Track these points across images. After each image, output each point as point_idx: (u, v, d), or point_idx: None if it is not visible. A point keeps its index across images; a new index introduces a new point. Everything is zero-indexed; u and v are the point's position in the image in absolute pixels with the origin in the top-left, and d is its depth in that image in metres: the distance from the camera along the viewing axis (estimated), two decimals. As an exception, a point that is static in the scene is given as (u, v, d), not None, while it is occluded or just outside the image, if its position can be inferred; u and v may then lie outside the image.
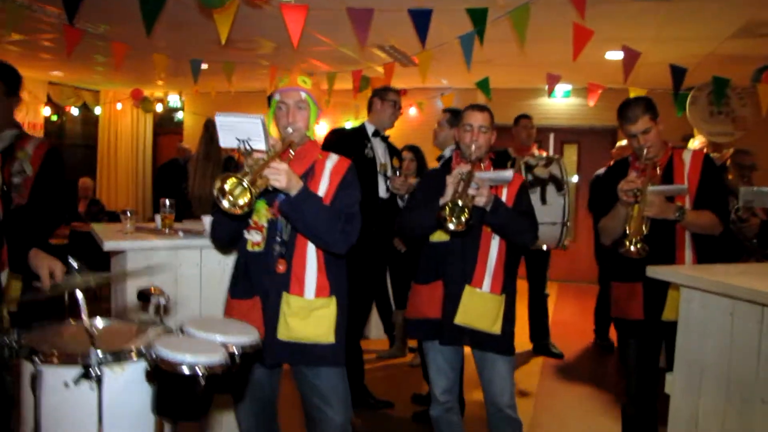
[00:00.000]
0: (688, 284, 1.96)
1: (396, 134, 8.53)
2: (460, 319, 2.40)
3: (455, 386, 2.57)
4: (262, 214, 2.09)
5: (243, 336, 1.73)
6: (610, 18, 4.58)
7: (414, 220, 2.43)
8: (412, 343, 4.77)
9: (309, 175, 2.11)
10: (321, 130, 6.46)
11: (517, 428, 2.49)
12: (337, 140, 3.46)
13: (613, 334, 4.84)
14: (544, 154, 4.80)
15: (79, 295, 1.52)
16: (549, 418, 3.74)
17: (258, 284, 2.10)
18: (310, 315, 2.08)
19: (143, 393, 1.57)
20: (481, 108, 2.50)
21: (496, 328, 2.42)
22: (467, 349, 2.54)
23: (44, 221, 2.68)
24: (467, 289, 2.40)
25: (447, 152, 3.54)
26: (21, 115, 8.76)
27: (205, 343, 1.61)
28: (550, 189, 4.01)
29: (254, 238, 2.10)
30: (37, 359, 1.53)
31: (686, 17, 4.58)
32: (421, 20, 4.01)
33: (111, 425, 1.55)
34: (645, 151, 2.47)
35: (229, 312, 2.16)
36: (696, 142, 5.80)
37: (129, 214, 2.81)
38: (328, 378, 2.14)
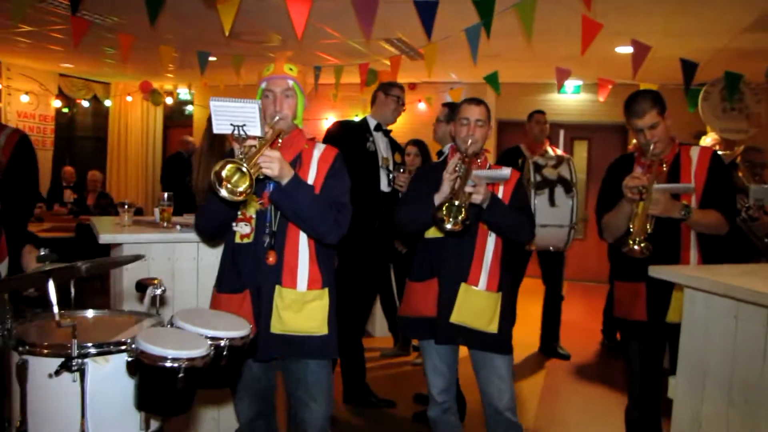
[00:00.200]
0: (691, 285, 1.90)
1: (404, 129, 8.57)
2: (455, 317, 2.35)
3: (452, 386, 2.52)
4: (251, 205, 2.06)
5: (233, 329, 1.70)
6: (620, 11, 4.49)
7: (408, 216, 2.39)
8: (417, 342, 4.73)
9: (296, 165, 2.07)
10: (329, 124, 6.43)
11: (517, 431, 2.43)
12: (340, 132, 3.43)
13: (621, 334, 4.77)
14: (559, 151, 4.74)
15: (51, 285, 1.49)
16: (552, 422, 3.69)
17: (248, 277, 2.06)
18: (303, 308, 2.05)
19: (129, 386, 1.55)
20: (478, 101, 2.45)
21: (493, 327, 2.37)
22: (463, 350, 2.50)
23: (18, 210, 2.65)
24: (463, 287, 2.35)
25: (446, 149, 3.49)
26: (32, 108, 8.83)
27: (190, 337, 1.59)
28: (559, 191, 3.95)
29: (243, 230, 2.07)
30: (22, 349, 1.53)
31: (697, 10, 4.48)
32: (427, 12, 3.95)
33: (95, 417, 1.54)
34: (652, 146, 2.40)
35: (217, 307, 2.12)
36: (708, 139, 5.69)
37: (127, 207, 2.79)
38: (314, 371, 2.12)
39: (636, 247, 2.28)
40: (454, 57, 6.49)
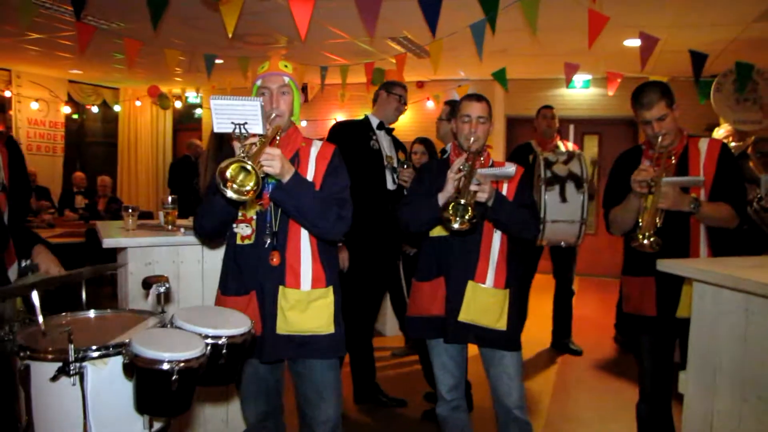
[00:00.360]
0: (700, 278, 1.86)
1: (412, 127, 8.56)
2: (464, 316, 2.32)
3: (461, 384, 2.50)
4: (251, 206, 2.04)
5: (232, 327, 1.69)
6: (627, 4, 4.44)
7: (412, 216, 2.35)
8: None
9: (294, 162, 2.05)
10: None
11: (526, 430, 2.40)
12: (342, 132, 3.41)
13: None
14: (571, 146, 4.69)
15: (35, 295, 1.49)
16: (564, 419, 3.64)
17: (252, 279, 2.04)
18: (308, 307, 2.04)
19: (130, 387, 1.55)
20: (479, 98, 2.41)
21: (501, 324, 2.34)
22: (474, 347, 2.47)
23: (22, 212, 2.65)
24: (470, 284, 2.32)
25: (449, 147, 3.46)
26: (42, 115, 8.91)
27: (186, 337, 1.58)
28: (569, 186, 3.91)
29: (244, 232, 2.05)
30: (23, 354, 1.53)
31: (706, 1, 4.42)
32: (431, 8, 3.92)
33: (99, 418, 1.54)
34: (660, 138, 2.35)
35: None
36: (721, 131, 5.60)
37: (131, 211, 2.79)
38: (323, 371, 2.10)
39: (645, 241, 2.23)
40: (461, 54, 6.46)
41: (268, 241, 2.02)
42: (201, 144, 7.42)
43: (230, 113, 1.80)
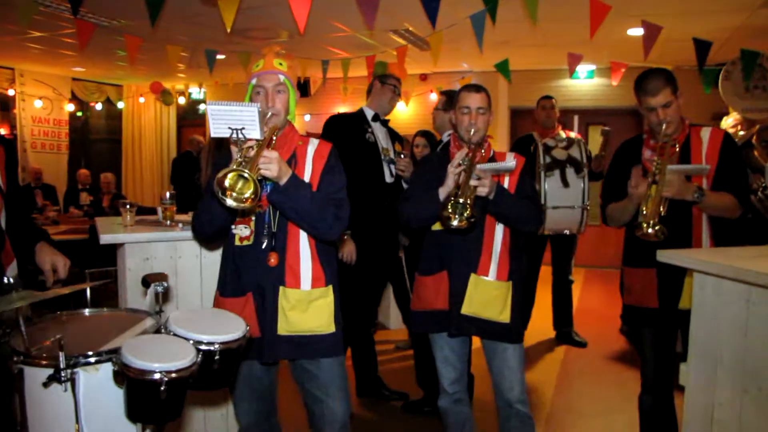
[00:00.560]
0: (700, 269, 1.83)
1: (415, 120, 8.54)
2: (466, 309, 2.31)
3: (463, 377, 2.49)
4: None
5: (226, 333, 1.67)
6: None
7: (412, 211, 2.33)
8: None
9: (292, 162, 2.04)
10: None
11: (528, 424, 2.38)
12: (337, 125, 3.37)
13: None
14: (573, 135, 4.65)
15: (20, 317, 1.49)
16: (568, 410, 3.63)
17: (250, 280, 2.03)
18: (309, 307, 2.02)
19: (122, 393, 1.53)
20: (478, 88, 2.37)
21: (504, 317, 2.32)
22: (477, 341, 2.45)
23: (20, 210, 2.63)
24: (473, 277, 2.31)
25: (445, 137, 3.43)
26: (46, 112, 8.94)
27: (177, 345, 1.57)
28: (570, 172, 3.87)
29: (242, 233, 2.03)
30: (17, 359, 1.53)
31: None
32: (430, 0, 3.89)
33: (92, 423, 1.53)
34: (664, 126, 2.31)
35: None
36: (730, 120, 5.53)
37: (129, 207, 2.78)
38: (327, 368, 2.08)
39: (650, 230, 2.18)
40: (463, 46, 6.42)
41: (267, 242, 2.01)
42: (202, 140, 7.42)
43: (227, 118, 1.78)
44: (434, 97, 8.44)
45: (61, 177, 9.03)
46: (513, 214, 2.27)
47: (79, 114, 9.77)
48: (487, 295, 2.31)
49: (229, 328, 1.71)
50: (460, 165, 2.18)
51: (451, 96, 3.43)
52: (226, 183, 1.64)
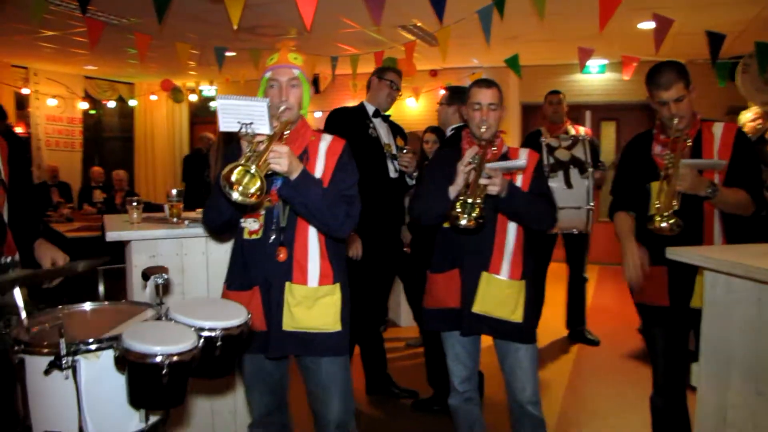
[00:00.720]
0: (710, 267, 1.79)
1: (425, 116, 8.51)
2: (478, 307, 2.28)
3: (474, 375, 2.46)
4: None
5: (227, 319, 1.66)
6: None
7: (423, 208, 2.30)
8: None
9: (303, 158, 2.02)
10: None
11: (539, 426, 2.35)
12: (340, 119, 3.34)
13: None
14: (583, 131, 4.60)
15: (17, 293, 1.48)
16: (580, 410, 3.59)
17: (257, 274, 2.02)
18: (315, 304, 2.01)
19: (123, 380, 1.53)
20: (489, 83, 2.33)
21: (517, 316, 2.29)
22: (487, 338, 2.42)
23: (24, 206, 2.63)
24: (484, 276, 2.28)
25: (449, 132, 3.39)
26: (59, 111, 9.01)
27: (178, 330, 1.56)
28: (574, 172, 3.85)
29: (252, 226, 2.02)
30: (18, 348, 1.53)
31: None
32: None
33: (94, 411, 1.52)
34: (676, 121, 2.27)
35: None
36: (749, 114, 5.42)
37: (135, 204, 2.78)
38: (329, 368, 2.07)
39: (664, 224, 2.13)
40: (473, 42, 6.36)
41: (275, 237, 2.00)
42: (212, 137, 7.44)
43: (237, 113, 1.77)
44: (444, 93, 8.39)
45: (75, 174, 9.10)
46: (526, 212, 2.23)
47: (93, 112, 9.84)
48: (499, 293, 2.28)
49: (230, 314, 1.70)
50: (470, 164, 2.15)
51: (455, 91, 3.40)
52: (233, 178, 1.63)
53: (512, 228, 2.31)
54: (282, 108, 1.94)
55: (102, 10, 5.32)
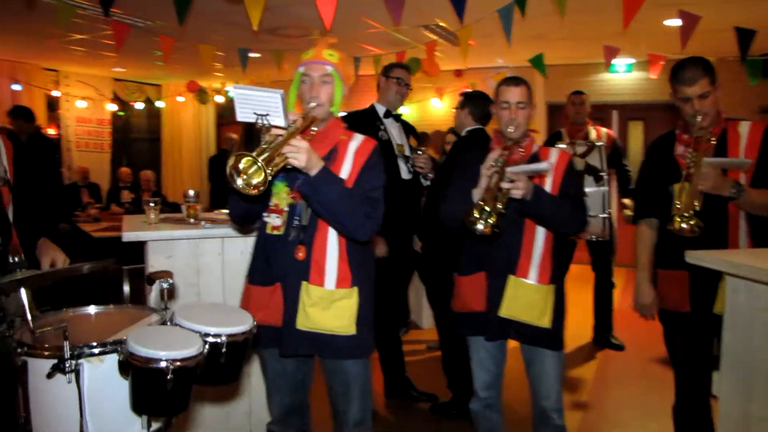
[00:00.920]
0: (732, 272, 1.72)
1: (448, 116, 8.42)
2: (504, 311, 2.23)
3: (497, 382, 2.41)
4: (283, 197, 1.99)
5: (233, 325, 1.65)
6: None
7: (448, 210, 2.25)
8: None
9: (331, 157, 1.99)
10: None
11: None
12: (349, 125, 3.32)
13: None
14: (605, 132, 4.52)
15: (23, 293, 1.48)
16: (600, 416, 3.51)
17: (277, 270, 2.00)
18: (330, 306, 1.98)
19: (127, 385, 1.52)
20: (517, 81, 2.27)
21: (545, 321, 2.24)
22: (513, 344, 2.37)
23: (32, 208, 2.61)
24: (511, 279, 2.23)
25: (465, 132, 3.34)
26: (89, 112, 9.18)
27: (183, 336, 1.55)
28: (588, 180, 3.82)
29: (274, 222, 2.00)
30: (21, 351, 1.53)
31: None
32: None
33: (96, 416, 1.52)
34: (699, 118, 2.19)
35: (248, 298, 2.07)
36: None
37: (152, 205, 2.80)
38: (348, 369, 2.05)
39: (684, 225, 2.06)
40: (498, 41, 6.29)
41: (295, 235, 1.98)
42: (236, 137, 7.50)
43: (252, 103, 1.75)
44: (469, 93, 8.33)
45: (104, 175, 9.27)
46: (552, 216, 2.17)
47: (121, 113, 10.00)
48: (526, 298, 2.23)
49: (235, 321, 1.69)
50: (492, 167, 2.10)
51: (468, 96, 3.36)
52: (240, 166, 1.61)
53: (541, 231, 2.26)
54: (312, 104, 1.92)
55: (127, 13, 5.39)
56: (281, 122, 1.76)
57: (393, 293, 3.48)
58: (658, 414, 3.40)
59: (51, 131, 8.81)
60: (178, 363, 1.43)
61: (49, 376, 1.45)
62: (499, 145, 2.25)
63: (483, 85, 7.97)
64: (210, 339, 1.58)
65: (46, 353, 1.50)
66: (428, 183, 3.38)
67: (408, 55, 6.36)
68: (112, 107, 9.55)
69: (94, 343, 1.51)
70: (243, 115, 1.77)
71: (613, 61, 5.36)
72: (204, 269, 2.65)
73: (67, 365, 1.44)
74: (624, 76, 7.81)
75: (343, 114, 3.47)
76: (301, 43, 6.54)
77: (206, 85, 9.75)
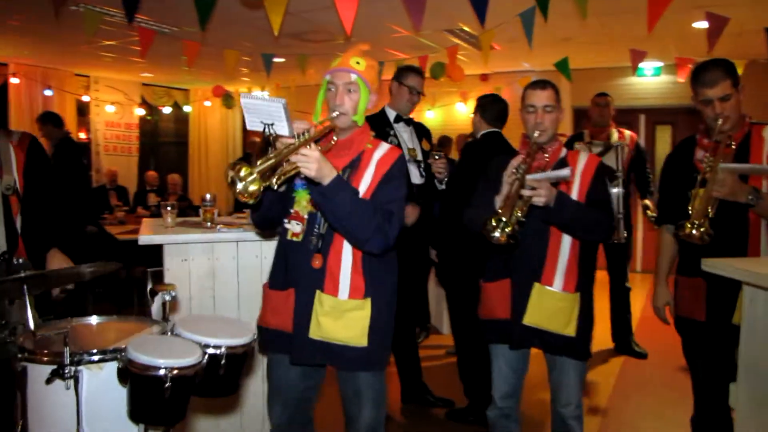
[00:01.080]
0: (749, 281, 1.67)
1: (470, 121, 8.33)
2: (529, 319, 2.19)
3: (517, 392, 2.37)
4: (304, 205, 1.99)
5: (232, 337, 1.65)
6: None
7: (473, 215, 2.20)
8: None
9: (354, 166, 1.98)
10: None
11: None
12: None
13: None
14: (627, 134, 4.45)
15: (26, 299, 1.50)
16: (620, 425, 3.44)
17: (294, 276, 2.00)
18: (342, 316, 1.96)
19: (125, 394, 1.53)
20: (544, 84, 2.23)
21: (570, 330, 2.19)
22: (535, 351, 2.34)
23: (41, 216, 2.43)
24: (536, 287, 2.19)
25: (479, 135, 3.31)
26: (117, 117, 9.36)
27: (183, 345, 1.56)
28: None
29: (294, 229, 2.01)
30: (21, 356, 1.54)
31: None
32: (478, -3, 3.79)
33: (93, 423, 1.53)
34: (720, 121, 2.13)
35: (266, 302, 2.07)
36: None
37: (170, 209, 2.84)
38: (360, 377, 2.04)
39: (695, 231, 2.01)
40: (522, 45, 6.23)
41: (314, 243, 1.98)
42: (259, 141, 7.57)
43: (259, 112, 1.75)
44: (494, 97, 8.27)
45: (132, 178, 9.44)
46: (576, 223, 2.12)
47: (149, 118, 10.18)
48: (551, 306, 2.19)
49: (236, 332, 1.69)
50: (513, 173, 2.06)
51: (480, 101, 3.34)
52: (241, 173, 1.60)
53: (567, 239, 2.21)
54: (335, 114, 1.91)
55: (152, 19, 5.49)
56: (285, 131, 1.75)
57: (408, 298, 3.45)
58: (679, 424, 3.31)
59: (81, 135, 9.01)
60: (177, 371, 1.43)
61: (48, 381, 1.46)
62: (525, 150, 2.22)
63: (508, 89, 7.91)
64: (210, 350, 1.58)
65: (46, 359, 1.51)
66: (443, 187, 3.35)
67: (431, 59, 6.34)
68: (140, 112, 9.73)
69: (94, 350, 1.52)
70: (252, 123, 1.77)
71: (641, 65, 5.27)
72: (219, 272, 2.67)
73: (67, 371, 1.45)
74: (651, 80, 7.68)
75: None
76: (325, 48, 6.58)
77: (233, 89, 9.87)
